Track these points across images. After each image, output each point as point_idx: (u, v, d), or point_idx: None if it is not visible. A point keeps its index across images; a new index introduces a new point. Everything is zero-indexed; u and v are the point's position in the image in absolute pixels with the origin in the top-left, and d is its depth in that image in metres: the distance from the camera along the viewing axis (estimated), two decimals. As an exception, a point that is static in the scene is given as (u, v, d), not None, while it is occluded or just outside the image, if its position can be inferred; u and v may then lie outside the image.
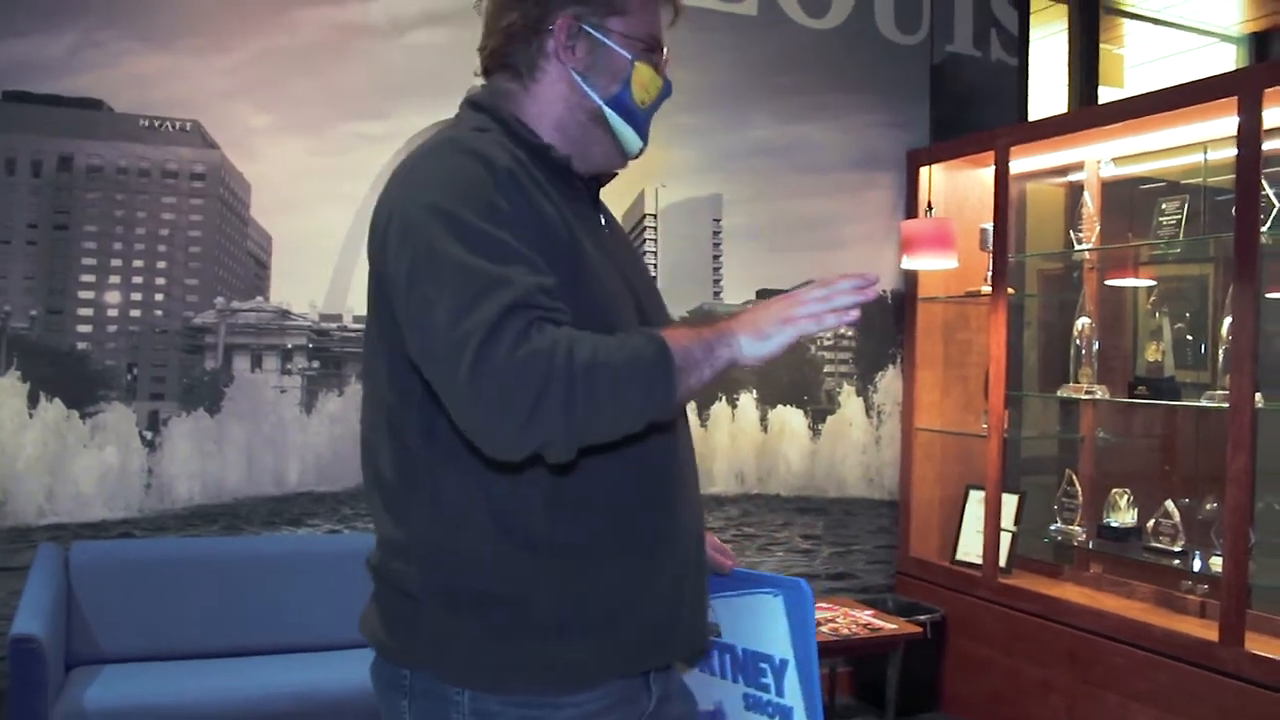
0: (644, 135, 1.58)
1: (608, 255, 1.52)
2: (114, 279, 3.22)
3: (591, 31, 1.52)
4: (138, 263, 3.24)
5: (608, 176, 1.65)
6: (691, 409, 2.90)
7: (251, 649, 3.08)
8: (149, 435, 3.23)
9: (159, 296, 3.26)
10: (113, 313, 3.22)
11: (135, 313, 3.24)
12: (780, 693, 1.60)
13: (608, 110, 1.54)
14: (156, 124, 3.24)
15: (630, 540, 1.45)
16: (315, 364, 3.40)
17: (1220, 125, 3.21)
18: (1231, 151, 3.20)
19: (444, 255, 1.30)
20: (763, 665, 1.63)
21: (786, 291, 1.45)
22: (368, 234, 1.45)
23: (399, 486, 1.44)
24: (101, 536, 3.17)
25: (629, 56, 1.53)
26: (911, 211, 4.09)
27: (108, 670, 2.90)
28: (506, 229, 1.33)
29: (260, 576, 3.15)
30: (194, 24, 3.26)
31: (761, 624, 1.62)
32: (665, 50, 1.60)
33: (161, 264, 3.26)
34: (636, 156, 1.61)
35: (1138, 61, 4.93)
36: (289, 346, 3.37)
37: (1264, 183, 2.93)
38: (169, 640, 3.04)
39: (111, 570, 3.04)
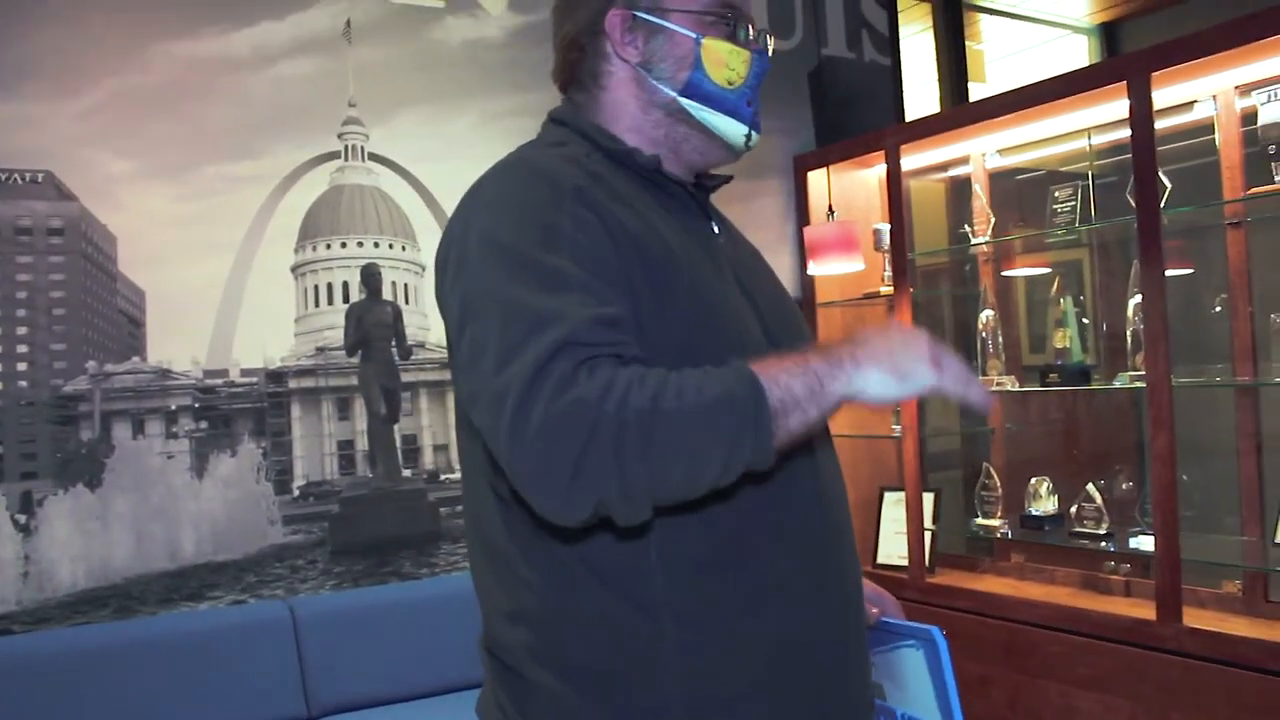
0: (746, 119, 1.39)
1: (720, 267, 1.35)
2: (-32, 350, 2.93)
3: (647, 17, 1.37)
4: (-6, 330, 2.95)
5: (717, 179, 1.47)
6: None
7: (161, 740, 2.82)
8: (22, 519, 2.94)
9: (21, 365, 2.97)
10: (-30, 387, 2.92)
11: (-4, 385, 2.95)
12: None
13: (683, 101, 1.37)
14: (4, 177, 2.96)
15: (768, 595, 1.25)
16: (203, 424, 3.16)
17: (1101, 112, 3.25)
18: (1114, 136, 3.26)
19: (493, 293, 1.16)
20: None
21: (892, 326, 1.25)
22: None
23: (514, 555, 1.26)
24: (-25, 635, 2.87)
25: (693, 35, 1.36)
26: (803, 217, 4.06)
27: (-1, 784, 2.62)
28: (567, 254, 1.17)
29: (162, 659, 2.88)
30: (38, 67, 2.98)
31: (910, 682, 1.41)
32: (749, 18, 1.41)
33: (22, 329, 2.97)
34: (748, 146, 1.42)
35: (997, 56, 5.03)
36: (173, 408, 3.12)
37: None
38: (66, 742, 2.76)
39: (-8, 671, 2.74)
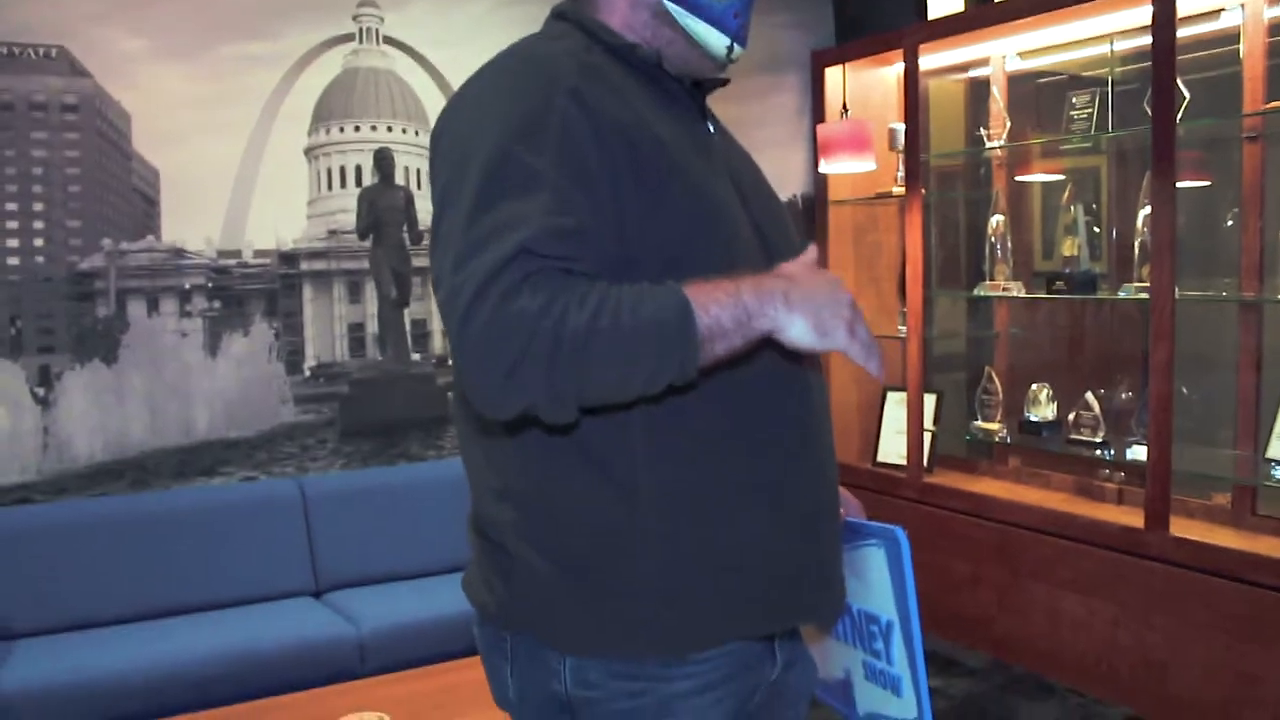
0: (730, 31, 1.40)
1: (714, 164, 1.37)
2: (-15, 225, 2.96)
3: None
4: (10, 205, 2.98)
5: (713, 82, 1.48)
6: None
7: (174, 609, 2.94)
8: (41, 392, 3.01)
9: (39, 242, 3.01)
10: (-13, 261, 2.97)
11: (13, 260, 2.99)
12: (890, 659, 1.44)
13: (670, 5, 1.38)
14: (17, 51, 2.95)
15: (748, 483, 1.31)
16: (216, 304, 3.21)
17: (1125, 17, 3.20)
18: (1136, 42, 3.20)
19: (467, 188, 1.20)
20: (873, 629, 1.47)
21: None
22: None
23: (503, 435, 1.32)
24: (-4, 503, 2.97)
25: None
26: (819, 114, 4.03)
27: (21, 647, 2.73)
28: (548, 154, 1.20)
29: (176, 532, 2.99)
30: (53, -61, 2.96)
31: (871, 580, 1.46)
32: None
33: (38, 206, 3.00)
34: (730, 59, 1.42)
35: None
36: (186, 287, 3.16)
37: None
38: (84, 608, 2.86)
39: (11, 539, 2.84)
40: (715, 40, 1.40)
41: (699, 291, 1.19)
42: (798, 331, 1.21)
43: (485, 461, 1.37)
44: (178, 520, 3.00)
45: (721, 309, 1.18)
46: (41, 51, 2.99)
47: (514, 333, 1.12)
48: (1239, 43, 3.04)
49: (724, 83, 1.50)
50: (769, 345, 1.26)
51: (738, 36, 1.41)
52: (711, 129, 1.45)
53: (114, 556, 2.90)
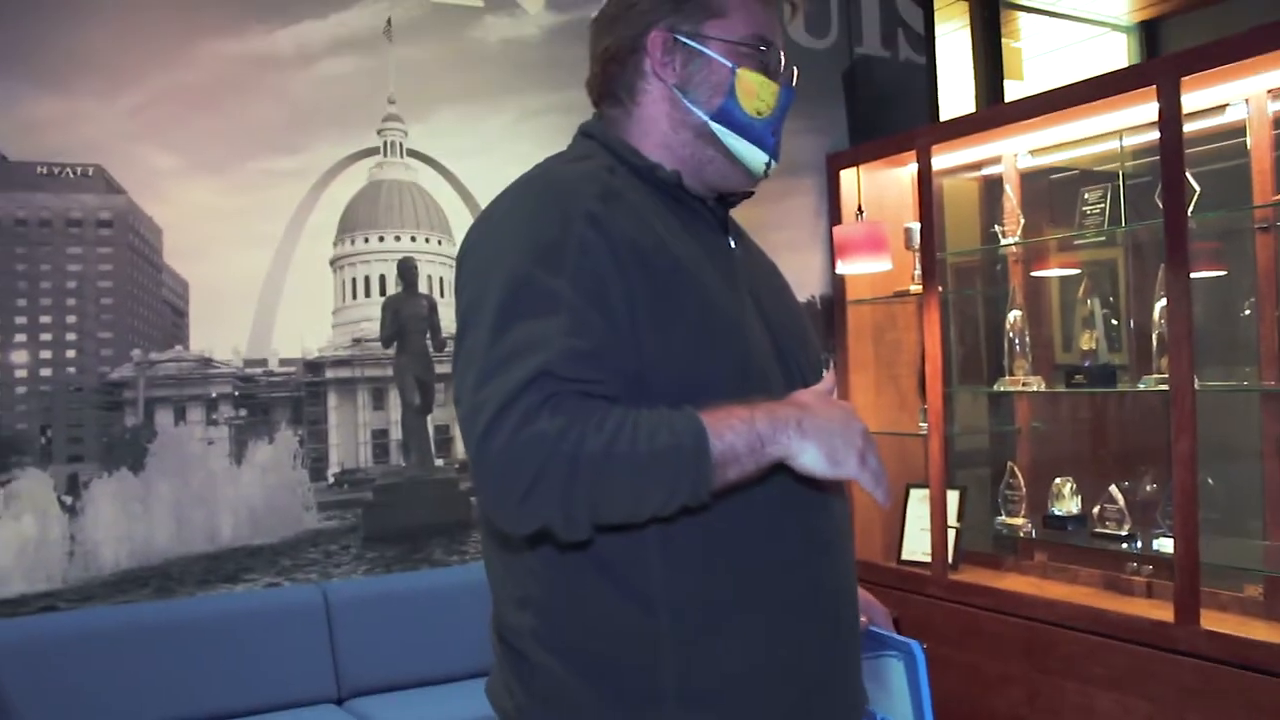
0: (768, 148, 1.45)
1: (734, 281, 1.41)
2: (20, 337, 3.04)
3: (687, 42, 1.43)
4: (45, 318, 3.06)
5: (737, 196, 1.53)
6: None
7: (198, 716, 2.92)
8: (68, 500, 3.05)
9: (70, 353, 3.08)
10: (21, 373, 3.03)
11: (46, 371, 3.06)
12: None
13: (714, 125, 1.43)
14: (56, 171, 3.07)
15: (761, 594, 1.33)
16: (242, 412, 3.26)
17: (1134, 114, 3.26)
18: (1145, 137, 3.26)
19: (489, 308, 1.26)
20: None
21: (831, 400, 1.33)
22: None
23: (522, 545, 1.35)
24: (22, 612, 2.98)
25: (730, 65, 1.42)
26: (835, 215, 4.09)
27: (45, 754, 2.73)
28: (566, 276, 1.25)
29: (199, 639, 2.99)
30: (91, 65, 3.09)
31: (892, 689, 1.49)
32: (781, 51, 1.47)
33: (71, 318, 3.08)
34: (766, 174, 1.48)
35: (1035, 53, 5.02)
36: (213, 396, 3.22)
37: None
38: (108, 716, 2.84)
39: (37, 647, 2.85)
40: (754, 158, 1.46)
41: (714, 418, 1.23)
42: (810, 459, 1.24)
43: (505, 571, 1.41)
44: (201, 627, 3.01)
45: (736, 435, 1.22)
46: (79, 170, 3.10)
47: (532, 455, 1.16)
48: (1246, 135, 3.09)
49: (748, 194, 1.55)
50: (786, 468, 1.29)
51: (774, 153, 1.48)
52: (733, 243, 1.49)
53: (138, 664, 2.90)
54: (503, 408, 1.18)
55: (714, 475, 1.21)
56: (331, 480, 3.37)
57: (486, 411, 1.18)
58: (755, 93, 1.42)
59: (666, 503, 1.21)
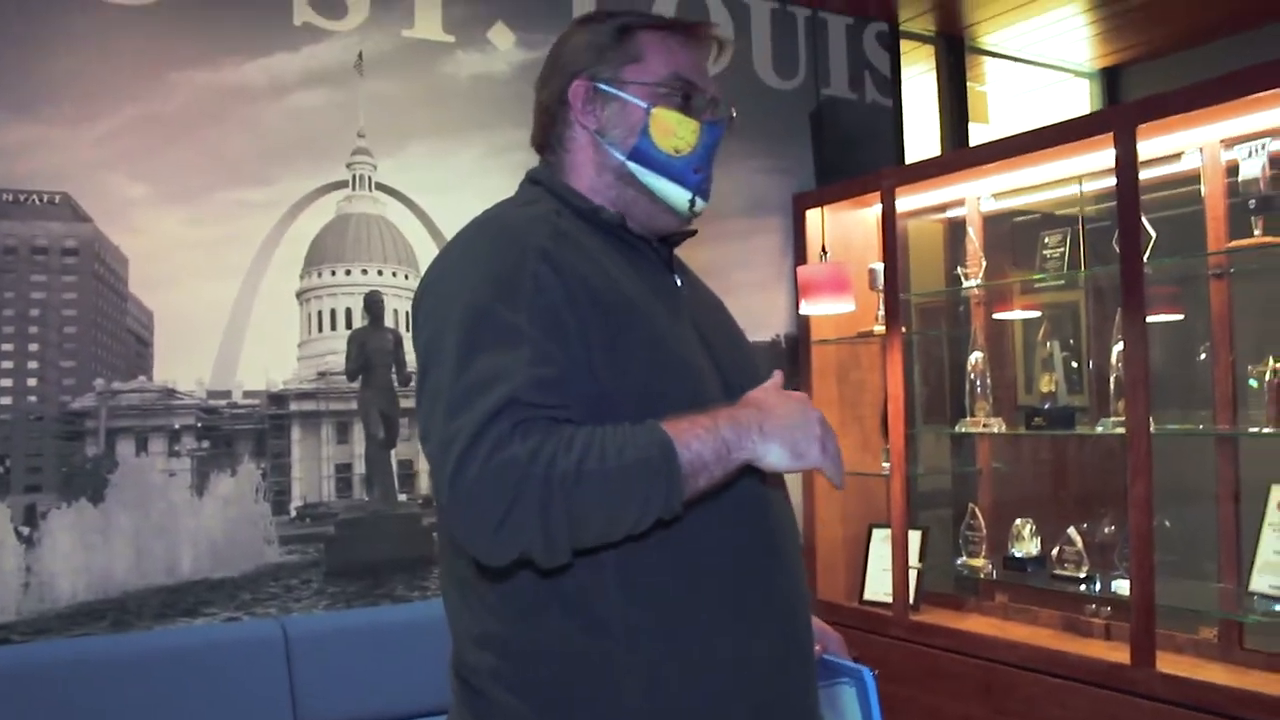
0: (690, 185, 1.49)
1: (680, 317, 1.46)
2: (-20, 365, 3.02)
3: (605, 88, 1.49)
4: (6, 346, 3.04)
5: (680, 235, 1.58)
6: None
7: (153, 752, 2.89)
8: (25, 531, 3.02)
9: (31, 381, 3.06)
10: (-20, 402, 3.01)
11: (5, 400, 3.03)
12: None
13: (631, 165, 1.48)
14: (22, 198, 3.06)
15: (718, 619, 1.36)
16: (205, 444, 3.24)
17: (1093, 159, 3.32)
18: (1105, 183, 3.32)
19: (451, 344, 1.28)
20: None
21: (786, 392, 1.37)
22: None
23: (482, 584, 1.37)
24: (-24, 644, 2.95)
25: (644, 105, 1.47)
26: (800, 255, 4.13)
27: (-6, 789, 2.69)
28: (524, 311, 1.29)
29: (156, 672, 2.94)
30: (61, 92, 3.09)
31: (846, 716, 1.52)
32: (708, 88, 1.51)
33: (33, 346, 3.06)
34: (693, 212, 1.52)
35: (1001, 97, 5.10)
36: (176, 427, 3.20)
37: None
38: (60, 751, 2.82)
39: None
40: (677, 195, 1.50)
41: (678, 429, 1.26)
42: (775, 457, 1.30)
43: (464, 608, 1.42)
44: (158, 661, 2.97)
45: (702, 444, 1.26)
46: (45, 198, 3.08)
47: (505, 479, 1.19)
48: (1200, 183, 3.16)
49: (691, 234, 1.58)
50: (740, 476, 1.34)
51: (699, 190, 1.51)
52: (679, 281, 1.53)
53: (93, 698, 2.86)
54: (474, 438, 1.20)
55: (684, 485, 1.25)
56: (294, 514, 3.35)
57: (458, 444, 1.20)
58: (673, 130, 1.47)
59: (641, 517, 1.24)
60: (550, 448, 1.20)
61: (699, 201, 1.52)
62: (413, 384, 3.50)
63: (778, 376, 1.42)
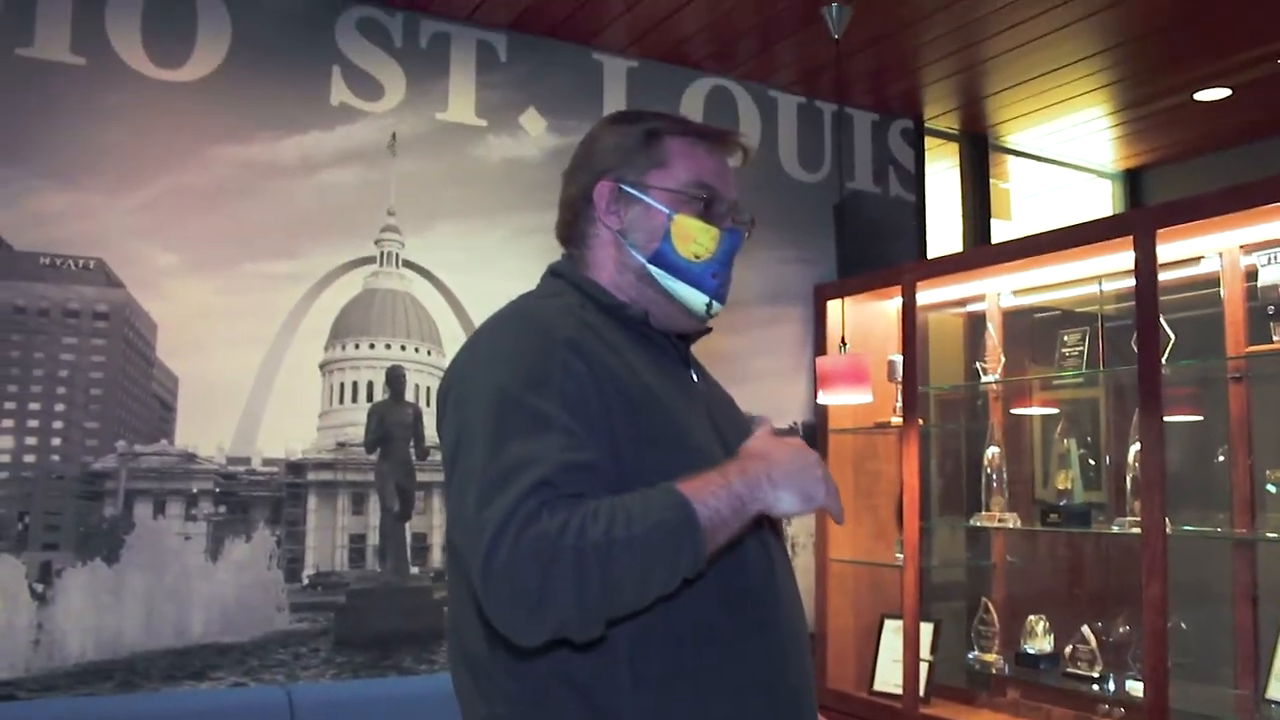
0: (709, 289, 1.54)
1: (698, 411, 1.50)
2: (7, 422, 3.06)
3: (630, 191, 1.53)
4: (34, 405, 3.09)
5: (696, 333, 1.62)
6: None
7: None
8: (39, 588, 3.04)
9: (56, 440, 3.11)
10: (4, 458, 3.05)
11: (29, 458, 3.08)
12: None
13: (652, 269, 1.52)
14: (58, 262, 3.14)
15: (728, 708, 1.38)
16: (222, 509, 3.27)
17: (1114, 260, 3.35)
18: (1124, 283, 3.34)
19: (483, 432, 1.32)
20: None
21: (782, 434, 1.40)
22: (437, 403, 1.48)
23: (494, 666, 1.39)
24: (-17, 700, 2.96)
25: (667, 211, 1.52)
26: (820, 345, 4.16)
27: None
28: (554, 398, 1.32)
29: (159, 737, 2.95)
30: (101, 162, 3.19)
31: None
32: (730, 194, 1.56)
33: (60, 406, 3.12)
34: (709, 314, 1.57)
35: (1023, 195, 5.16)
36: (194, 491, 3.24)
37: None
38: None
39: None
40: (695, 299, 1.55)
41: (693, 487, 1.29)
42: (786, 504, 1.33)
43: (474, 688, 1.44)
44: (163, 725, 2.97)
45: (718, 500, 1.29)
46: (80, 263, 3.16)
47: (538, 555, 1.21)
48: (1220, 287, 3.18)
49: (707, 331, 1.63)
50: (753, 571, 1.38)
51: (716, 295, 1.56)
52: (695, 377, 1.57)
53: (95, 761, 2.87)
54: (505, 519, 1.22)
55: (706, 541, 1.27)
56: (306, 582, 3.36)
57: (490, 527, 1.23)
58: (693, 237, 1.51)
59: (670, 578, 1.27)
60: (577, 521, 1.23)
61: (715, 305, 1.56)
62: (431, 458, 3.54)
63: (766, 424, 1.45)
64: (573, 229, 1.60)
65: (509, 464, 1.27)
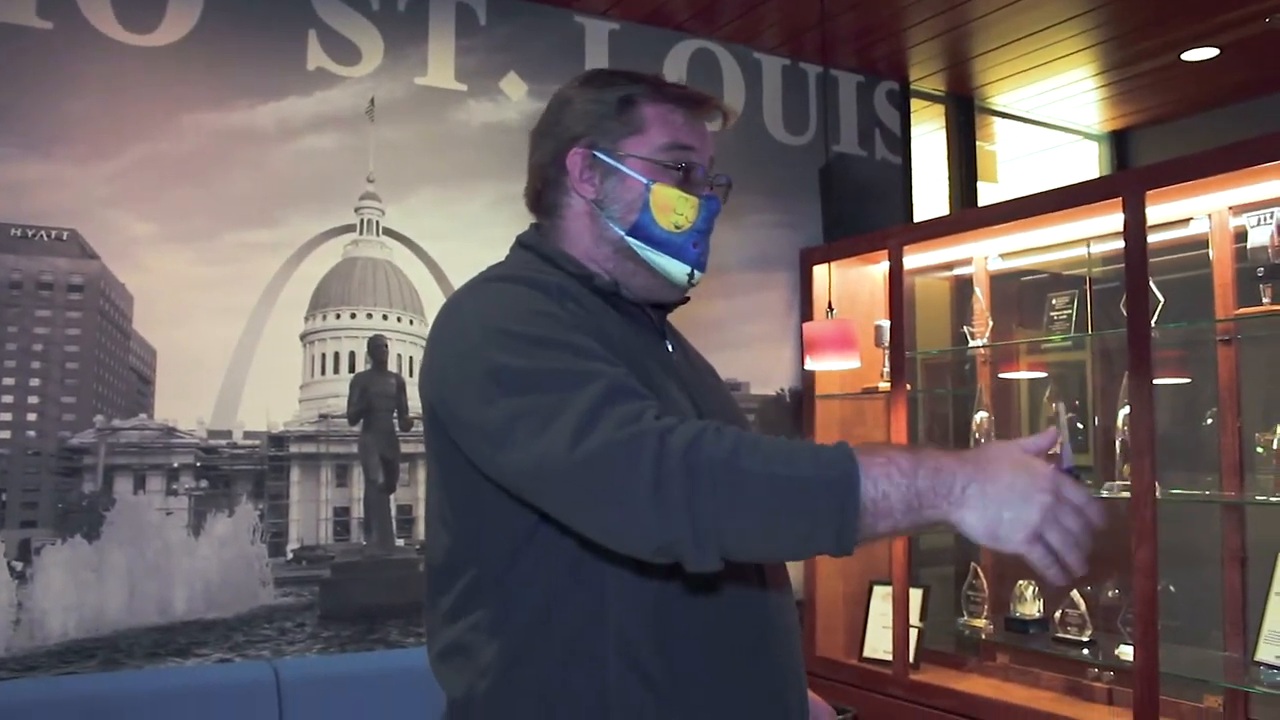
0: (688, 259, 1.47)
1: (676, 381, 1.44)
2: (-19, 399, 3.01)
3: (604, 158, 1.47)
4: (8, 380, 3.03)
5: (672, 303, 1.56)
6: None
7: (138, 796, 2.84)
8: (19, 566, 3.00)
9: (31, 416, 3.05)
10: (-20, 435, 3.00)
11: (4, 434, 3.02)
12: None
13: (630, 240, 1.46)
14: (30, 233, 3.07)
15: (717, 691, 1.34)
16: (203, 483, 3.22)
17: (1102, 222, 3.32)
18: (1113, 245, 3.32)
19: (511, 370, 1.22)
20: None
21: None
22: (418, 380, 1.42)
23: (474, 644, 1.36)
24: (-36, 679, 2.91)
25: (645, 181, 1.45)
26: (807, 310, 4.13)
27: (-25, 830, 2.65)
28: (574, 332, 1.26)
29: (144, 713, 2.90)
30: (72, 129, 3.11)
31: None
32: (706, 156, 1.49)
33: (35, 381, 3.06)
34: (691, 283, 1.50)
35: (1009, 157, 5.12)
36: (175, 466, 3.19)
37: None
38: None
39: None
40: (677, 270, 1.49)
41: (873, 461, 1.13)
42: (969, 527, 1.15)
43: (454, 673, 1.40)
44: (147, 701, 2.93)
45: (893, 486, 1.12)
46: (53, 234, 3.10)
47: (638, 454, 1.10)
48: (1209, 249, 3.15)
49: (683, 300, 1.57)
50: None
51: (698, 264, 1.51)
52: (670, 346, 1.52)
53: (79, 739, 2.83)
54: (594, 406, 1.12)
55: (861, 524, 1.11)
56: (290, 556, 3.33)
57: (569, 414, 1.12)
58: (672, 207, 1.45)
59: (804, 543, 1.12)
60: (692, 430, 1.11)
61: (696, 274, 1.51)
62: (415, 429, 3.49)
63: (1050, 434, 1.26)
64: (544, 198, 1.53)
65: (569, 380, 1.17)
